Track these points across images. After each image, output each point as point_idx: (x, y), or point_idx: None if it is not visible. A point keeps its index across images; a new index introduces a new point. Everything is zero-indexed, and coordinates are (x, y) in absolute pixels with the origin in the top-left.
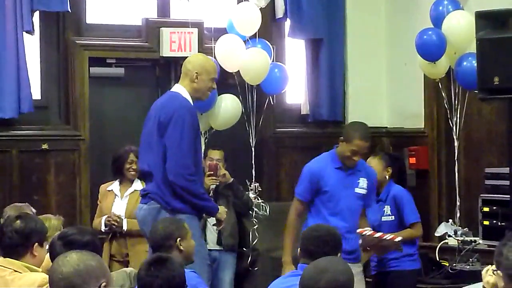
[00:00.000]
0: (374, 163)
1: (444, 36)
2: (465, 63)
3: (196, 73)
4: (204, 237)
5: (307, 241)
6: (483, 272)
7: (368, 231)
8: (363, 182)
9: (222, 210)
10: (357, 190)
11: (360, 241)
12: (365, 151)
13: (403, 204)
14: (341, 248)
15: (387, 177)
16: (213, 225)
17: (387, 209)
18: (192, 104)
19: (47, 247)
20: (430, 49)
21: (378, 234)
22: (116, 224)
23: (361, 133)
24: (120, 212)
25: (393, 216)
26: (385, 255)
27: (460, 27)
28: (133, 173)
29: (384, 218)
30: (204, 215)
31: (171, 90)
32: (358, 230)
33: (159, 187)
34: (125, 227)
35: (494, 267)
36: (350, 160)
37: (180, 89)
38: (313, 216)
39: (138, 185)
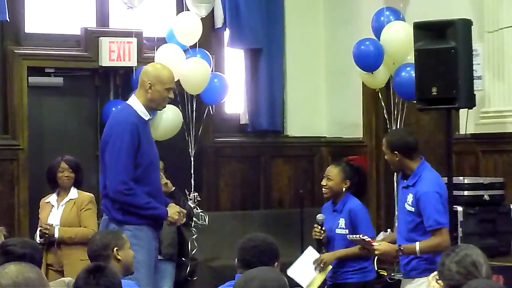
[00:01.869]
0: (334, 173)
1: (382, 46)
2: (403, 74)
3: (150, 83)
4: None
5: (244, 251)
6: (429, 278)
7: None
8: (410, 199)
9: (173, 211)
10: (406, 205)
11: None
12: (384, 149)
13: (358, 220)
14: (278, 258)
15: (344, 189)
16: (168, 224)
17: (342, 221)
18: (142, 116)
19: None
20: (367, 60)
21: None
22: (46, 232)
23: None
24: (55, 221)
25: (347, 230)
26: (342, 267)
27: (398, 37)
28: (66, 180)
29: (338, 231)
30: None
31: (127, 101)
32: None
33: (104, 200)
34: (56, 235)
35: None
36: None
37: (133, 100)
38: None
39: (74, 194)
